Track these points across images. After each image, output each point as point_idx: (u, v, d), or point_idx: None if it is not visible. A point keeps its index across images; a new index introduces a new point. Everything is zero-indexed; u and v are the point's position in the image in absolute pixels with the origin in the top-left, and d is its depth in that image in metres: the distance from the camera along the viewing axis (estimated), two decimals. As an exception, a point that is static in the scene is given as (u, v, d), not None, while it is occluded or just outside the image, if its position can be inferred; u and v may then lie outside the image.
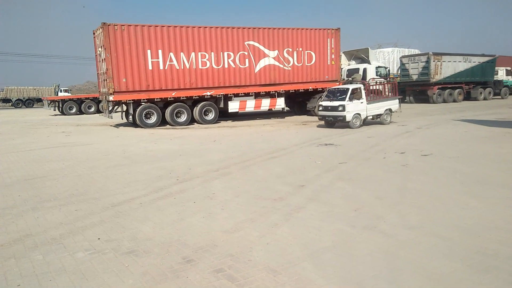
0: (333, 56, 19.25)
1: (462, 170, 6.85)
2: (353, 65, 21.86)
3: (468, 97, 28.59)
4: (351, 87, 13.74)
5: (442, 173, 6.70)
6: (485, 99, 29.01)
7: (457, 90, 27.87)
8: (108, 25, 14.93)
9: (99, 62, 16.40)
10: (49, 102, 29.78)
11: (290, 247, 3.80)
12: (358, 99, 13.66)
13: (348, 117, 13.40)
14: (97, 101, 27.52)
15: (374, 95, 14.82)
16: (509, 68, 31.45)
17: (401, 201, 5.21)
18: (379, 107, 14.52)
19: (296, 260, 3.51)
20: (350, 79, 20.58)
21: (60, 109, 28.06)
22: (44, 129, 17.48)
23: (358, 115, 13.72)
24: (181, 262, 3.51)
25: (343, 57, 21.74)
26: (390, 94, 15.69)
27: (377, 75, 20.80)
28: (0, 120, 25.22)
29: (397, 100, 15.46)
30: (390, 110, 14.95)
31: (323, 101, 14.10)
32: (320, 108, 14.06)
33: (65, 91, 44.39)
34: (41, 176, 7.28)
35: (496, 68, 29.83)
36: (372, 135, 11.66)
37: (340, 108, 13.34)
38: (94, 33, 16.57)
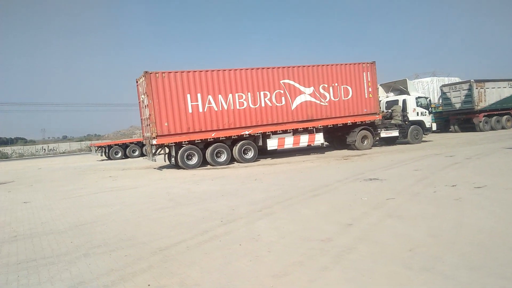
0: (370, 89, 19.13)
1: (523, 202, 6.37)
2: (392, 97, 21.55)
3: (517, 123, 27.21)
4: None
5: (499, 206, 6.26)
6: (536, 124, 27.48)
7: (505, 117, 26.65)
8: (150, 73, 15.74)
9: (143, 108, 17.19)
10: (96, 148, 31.30)
11: (344, 292, 3.62)
12: None
13: None
14: (140, 145, 28.63)
15: None
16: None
17: (458, 239, 4.88)
18: None
19: (351, 306, 3.32)
20: (389, 111, 20.34)
21: (107, 154, 29.36)
22: (92, 174, 18.27)
23: None
24: (232, 310, 3.42)
25: (380, 89, 21.52)
26: None
27: (417, 106, 20.38)
28: (53, 167, 26.70)
29: None
30: None
31: None
32: None
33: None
34: (91, 221, 7.52)
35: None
36: (419, 168, 11.23)
37: None
38: (137, 81, 17.50)
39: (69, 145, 64.83)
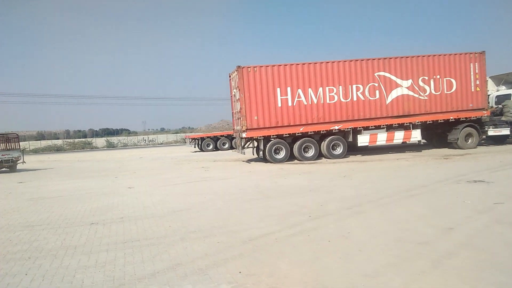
0: (477, 82, 17.32)
1: None
2: (504, 90, 19.25)
3: None
4: None
5: None
6: None
7: None
8: (242, 68, 16.19)
9: (234, 102, 17.79)
10: (190, 140, 33.30)
11: (444, 300, 3.33)
12: None
13: None
14: (230, 138, 29.74)
15: None
16: None
17: None
18: None
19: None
20: (500, 106, 18.23)
21: (199, 146, 31.08)
22: (187, 164, 19.48)
23: None
24: (321, 306, 3.35)
25: (490, 82, 19.34)
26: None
27: (534, 101, 17.94)
28: (152, 156, 29.09)
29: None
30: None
31: None
32: None
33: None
34: (187, 208, 8.01)
35: None
36: (535, 171, 9.91)
37: None
38: (229, 76, 18.14)
39: (166, 136, 70.04)
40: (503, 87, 19.62)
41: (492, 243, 4.73)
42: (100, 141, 64.55)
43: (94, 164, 23.98)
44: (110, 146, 61.21)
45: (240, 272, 4.21)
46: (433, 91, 17.16)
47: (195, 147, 31.76)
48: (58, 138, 72.12)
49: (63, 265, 4.86)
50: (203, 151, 30.49)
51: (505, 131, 17.85)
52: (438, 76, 17.17)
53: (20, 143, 23.42)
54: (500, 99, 18.76)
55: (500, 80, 19.88)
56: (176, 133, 76.67)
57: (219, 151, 29.52)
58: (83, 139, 67.73)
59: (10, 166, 20.41)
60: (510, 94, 18.44)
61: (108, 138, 68.89)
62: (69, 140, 66.71)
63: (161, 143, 64.18)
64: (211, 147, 30.67)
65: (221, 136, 31.56)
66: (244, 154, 18.17)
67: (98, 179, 14.99)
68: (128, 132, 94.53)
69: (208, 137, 31.83)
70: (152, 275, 4.31)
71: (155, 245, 5.45)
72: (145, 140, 67.51)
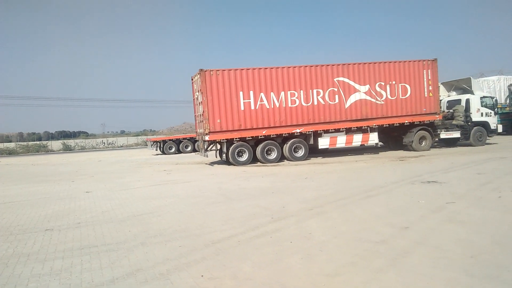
0: (430, 88, 18.22)
1: None
2: (454, 96, 20.36)
3: None
4: None
5: None
6: None
7: None
8: (205, 71, 16.10)
9: (197, 105, 17.65)
10: (151, 142, 32.63)
11: (400, 296, 3.47)
12: None
13: None
14: (193, 140, 29.44)
15: None
16: None
17: (529, 248, 4.51)
18: None
19: (409, 312, 3.18)
20: (451, 111, 19.25)
21: (161, 148, 30.52)
22: (148, 168, 19.07)
23: None
24: (283, 306, 3.39)
25: (441, 88, 20.41)
26: None
27: (482, 106, 19.13)
28: (111, 160, 28.23)
29: None
30: None
31: None
32: None
33: None
34: (148, 212, 7.84)
35: None
36: (483, 172, 10.54)
37: None
38: (192, 79, 17.98)
39: (127, 139, 68.08)
40: (454, 93, 20.75)
41: (444, 240, 4.98)
42: (56, 144, 61.71)
43: (50, 168, 22.93)
44: (67, 149, 58.72)
45: (202, 276, 4.18)
46: (389, 96, 17.85)
47: (157, 150, 31.17)
48: (10, 141, 68.18)
49: (15, 273, 4.62)
50: (165, 154, 29.95)
51: (456, 134, 18.88)
52: (394, 82, 17.90)
53: None
54: (451, 104, 19.82)
55: (451, 86, 21.03)
56: (137, 135, 74.69)
57: (182, 154, 29.13)
58: (38, 142, 64.49)
59: None
60: (460, 99, 19.53)
61: (65, 141, 65.94)
62: (22, 143, 63.21)
63: (121, 146, 62.37)
64: (173, 150, 30.21)
65: (184, 139, 31.17)
66: (207, 157, 18.06)
67: (53, 183, 14.35)
68: (86, 135, 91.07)
69: (170, 139, 31.33)
70: (111, 281, 4.18)
71: (114, 251, 5.29)
72: (104, 143, 65.27)
